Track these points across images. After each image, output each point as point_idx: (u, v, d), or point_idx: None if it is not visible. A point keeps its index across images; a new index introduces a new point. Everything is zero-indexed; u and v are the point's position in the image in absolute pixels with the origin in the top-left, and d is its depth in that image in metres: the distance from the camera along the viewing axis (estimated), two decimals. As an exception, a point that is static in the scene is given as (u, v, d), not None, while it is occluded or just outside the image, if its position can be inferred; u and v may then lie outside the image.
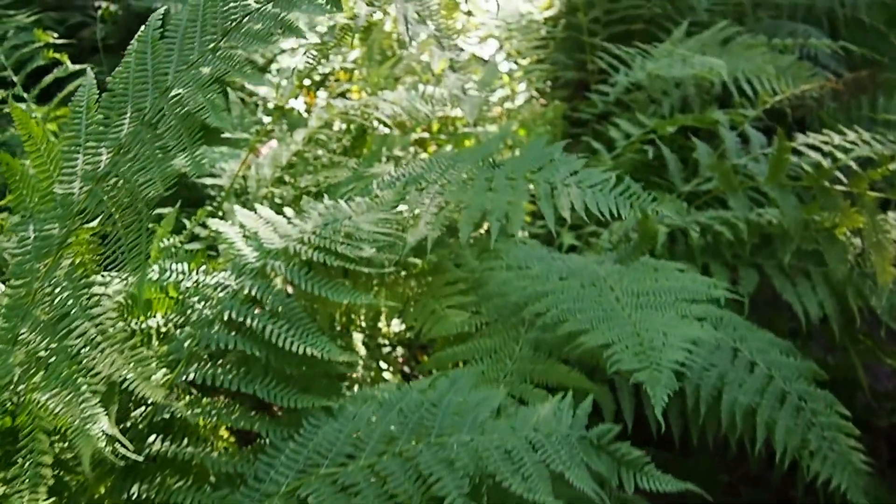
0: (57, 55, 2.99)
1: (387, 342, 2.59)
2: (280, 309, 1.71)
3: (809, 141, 3.03)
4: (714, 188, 3.00)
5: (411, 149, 3.36)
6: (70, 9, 4.02)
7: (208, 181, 2.59)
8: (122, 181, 1.41)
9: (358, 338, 2.49)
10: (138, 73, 1.51)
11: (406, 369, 2.99)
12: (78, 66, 2.97)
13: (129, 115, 1.47)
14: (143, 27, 1.55)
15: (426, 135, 3.33)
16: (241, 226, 1.83)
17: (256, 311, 1.70)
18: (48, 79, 2.93)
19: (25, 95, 2.91)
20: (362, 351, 2.49)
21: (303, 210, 1.87)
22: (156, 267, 1.79)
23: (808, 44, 4.09)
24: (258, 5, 1.44)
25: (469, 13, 4.26)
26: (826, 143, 3.01)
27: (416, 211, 1.84)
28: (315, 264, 1.77)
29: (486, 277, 2.27)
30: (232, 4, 1.46)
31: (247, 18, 1.44)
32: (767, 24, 4.71)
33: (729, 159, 3.14)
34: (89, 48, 3.96)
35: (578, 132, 4.23)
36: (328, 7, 1.44)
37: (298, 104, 3.59)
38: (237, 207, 1.89)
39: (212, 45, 1.45)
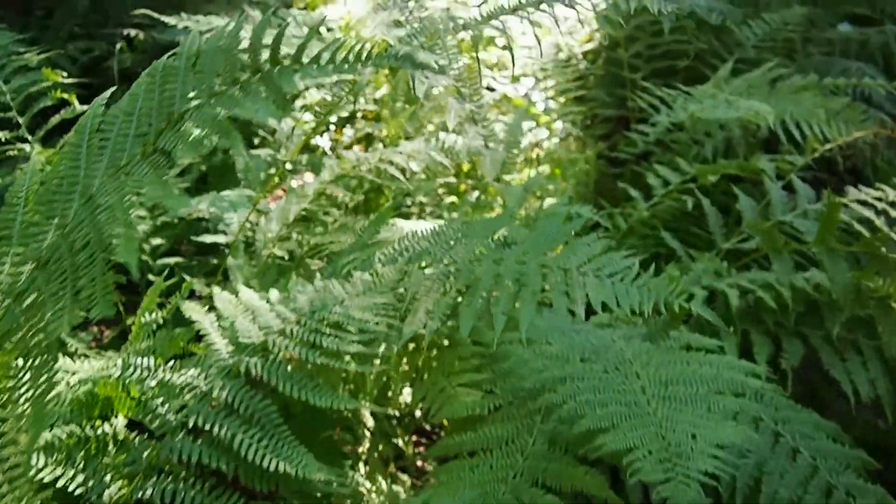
0: (66, 95, 2.81)
1: (397, 413, 2.37)
2: (254, 415, 1.49)
3: (862, 196, 2.76)
4: (758, 245, 2.74)
5: (440, 191, 3.15)
6: (98, 38, 3.85)
7: (208, 239, 2.38)
8: (38, 302, 1.20)
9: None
10: (71, 170, 1.31)
11: (426, 426, 2.77)
12: (86, 107, 2.79)
13: (56, 220, 1.26)
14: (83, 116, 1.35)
15: (453, 179, 3.11)
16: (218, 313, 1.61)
17: (226, 418, 1.48)
18: (55, 120, 2.76)
19: (30, 137, 2.74)
20: (370, 422, 2.27)
21: (291, 293, 1.65)
22: (119, 361, 1.58)
23: (861, 84, 3.81)
24: (199, 100, 1.23)
25: (506, 47, 4.03)
26: (880, 199, 2.74)
27: (417, 295, 1.61)
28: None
29: (502, 352, 2.03)
30: (169, 95, 1.25)
31: (184, 117, 1.23)
32: (818, 62, 4.42)
33: (774, 215, 2.88)
34: (113, 79, 3.81)
35: (617, 172, 3.98)
36: (275, 111, 1.23)
37: (324, 142, 3.40)
38: (216, 290, 1.67)
39: (142, 147, 1.24)
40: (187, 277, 2.43)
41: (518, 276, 1.56)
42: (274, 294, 1.66)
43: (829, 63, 4.36)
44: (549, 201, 3.31)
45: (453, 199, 3.07)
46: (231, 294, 1.65)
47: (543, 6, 1.93)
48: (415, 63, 1.24)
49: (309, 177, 2.76)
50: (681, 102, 3.58)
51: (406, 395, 2.35)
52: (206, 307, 1.66)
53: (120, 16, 3.33)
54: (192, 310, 1.64)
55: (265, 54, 1.28)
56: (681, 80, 4.30)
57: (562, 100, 4.06)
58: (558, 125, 4.00)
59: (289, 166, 2.95)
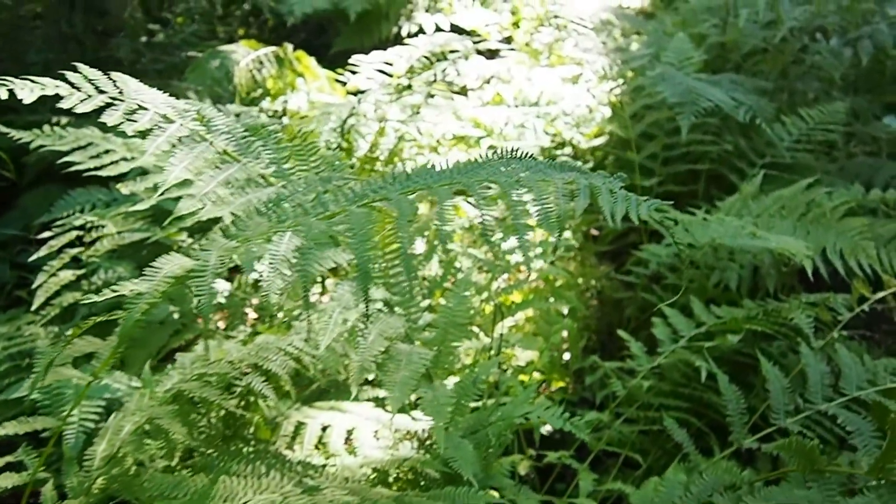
0: None
1: None
2: None
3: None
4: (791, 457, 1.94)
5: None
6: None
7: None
8: None
9: None
10: None
11: None
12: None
13: None
14: None
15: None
16: None
17: None
18: None
19: None
20: None
21: None
22: None
23: None
24: None
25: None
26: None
27: None
28: None
29: None
30: None
31: None
32: (862, 164, 3.63)
33: (811, 398, 2.09)
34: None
35: (625, 297, 3.21)
36: None
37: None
38: None
39: None
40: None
41: None
42: None
43: (874, 166, 3.57)
44: (527, 355, 2.54)
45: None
46: None
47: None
48: None
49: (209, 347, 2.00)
50: (700, 222, 2.80)
51: None
52: None
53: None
54: None
55: None
56: (702, 187, 3.54)
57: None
58: (554, 239, 3.24)
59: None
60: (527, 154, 1.20)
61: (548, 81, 3.79)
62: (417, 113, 2.91)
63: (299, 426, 1.79)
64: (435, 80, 3.22)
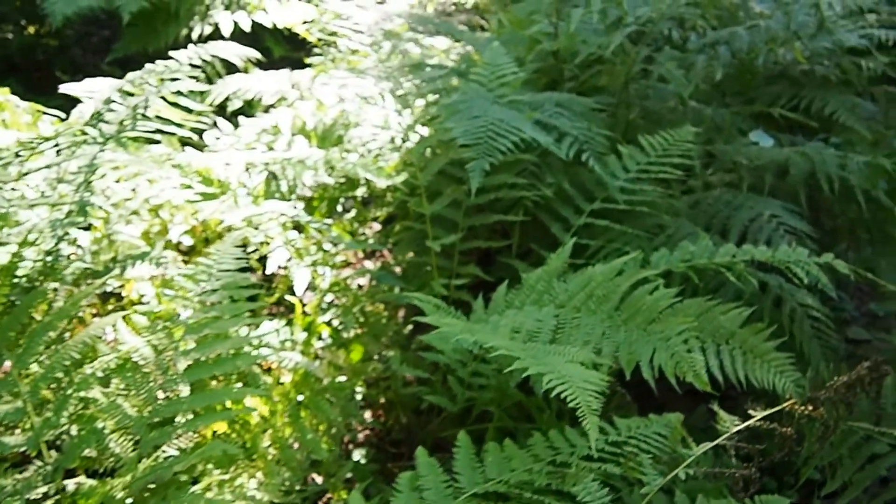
0: None
1: None
2: None
3: None
4: None
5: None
6: None
7: None
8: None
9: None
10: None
11: None
12: None
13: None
14: None
15: None
16: None
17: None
18: None
19: None
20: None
21: None
22: None
23: (776, 259, 2.15)
24: None
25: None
26: None
27: None
28: None
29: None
30: None
31: None
32: (720, 199, 2.79)
33: None
34: None
35: (421, 391, 2.36)
36: None
37: None
38: None
39: None
40: None
41: None
42: None
43: (733, 204, 2.74)
44: None
45: None
46: None
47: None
48: None
49: None
50: (482, 323, 1.95)
51: None
52: None
53: None
54: None
55: None
56: (517, 241, 2.68)
57: (330, 278, 2.42)
58: (323, 318, 2.37)
59: None
60: None
61: (347, 101, 2.88)
62: (99, 167, 2.00)
63: None
64: (148, 110, 2.28)
